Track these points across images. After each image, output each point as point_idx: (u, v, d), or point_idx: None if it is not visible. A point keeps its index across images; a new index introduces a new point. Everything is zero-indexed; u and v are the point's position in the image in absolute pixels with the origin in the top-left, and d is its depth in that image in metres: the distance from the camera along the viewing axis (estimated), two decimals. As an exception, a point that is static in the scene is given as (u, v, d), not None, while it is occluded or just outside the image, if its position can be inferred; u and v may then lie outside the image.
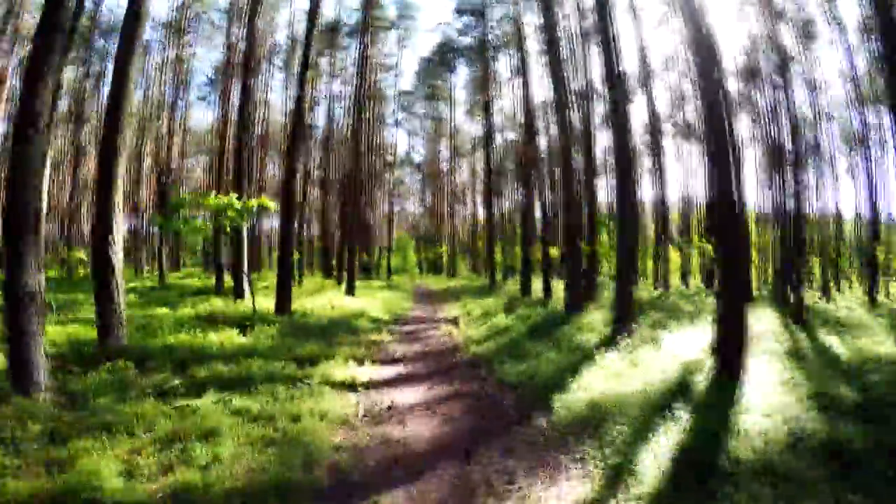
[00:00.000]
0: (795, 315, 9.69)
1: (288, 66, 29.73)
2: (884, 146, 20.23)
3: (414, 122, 45.01)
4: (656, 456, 3.35)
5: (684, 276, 28.01)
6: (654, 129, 22.36)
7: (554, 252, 20.03)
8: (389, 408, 4.72)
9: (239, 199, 9.00)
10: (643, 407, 4.22)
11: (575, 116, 15.01)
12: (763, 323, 9.35)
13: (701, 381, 4.89)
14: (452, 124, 44.44)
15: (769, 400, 4.18)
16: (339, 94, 33.20)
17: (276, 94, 33.09)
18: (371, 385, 5.51)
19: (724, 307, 5.26)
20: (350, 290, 15.06)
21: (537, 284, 19.47)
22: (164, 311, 9.24)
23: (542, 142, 22.86)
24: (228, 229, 10.53)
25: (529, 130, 19.20)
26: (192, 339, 6.64)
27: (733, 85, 20.54)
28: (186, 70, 27.66)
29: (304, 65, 10.77)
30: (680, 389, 4.63)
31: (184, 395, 4.43)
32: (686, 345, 6.62)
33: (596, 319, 8.83)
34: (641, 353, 6.06)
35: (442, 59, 37.31)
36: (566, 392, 4.85)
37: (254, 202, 8.78)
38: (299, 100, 11.21)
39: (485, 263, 37.38)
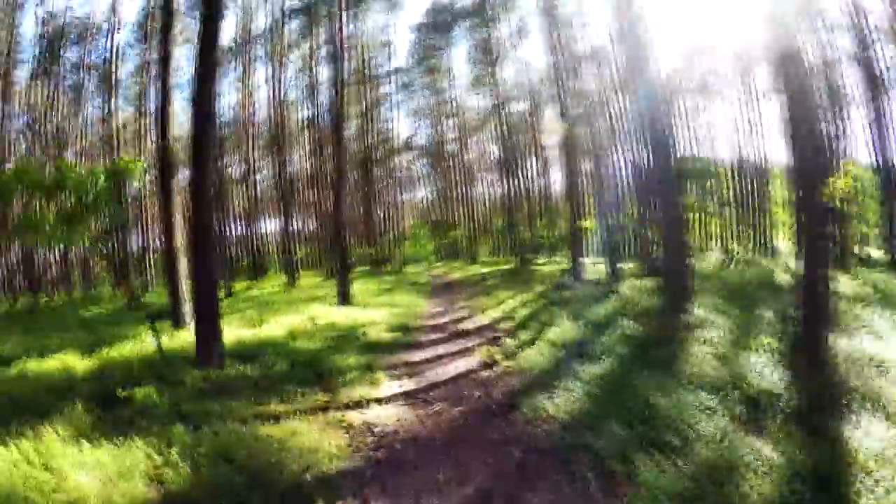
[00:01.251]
0: None
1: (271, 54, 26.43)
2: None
3: (414, 102, 41.00)
4: None
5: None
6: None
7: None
8: None
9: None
10: None
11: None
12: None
13: None
14: (456, 101, 40.35)
15: None
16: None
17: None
18: None
19: None
20: (343, 297, 11.30)
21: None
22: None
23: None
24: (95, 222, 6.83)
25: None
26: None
27: None
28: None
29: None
30: None
31: None
32: None
33: (720, 323, 4.87)
34: None
35: (436, 24, 33.44)
36: None
37: (100, 170, 5.12)
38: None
39: (508, 243, 33.20)
